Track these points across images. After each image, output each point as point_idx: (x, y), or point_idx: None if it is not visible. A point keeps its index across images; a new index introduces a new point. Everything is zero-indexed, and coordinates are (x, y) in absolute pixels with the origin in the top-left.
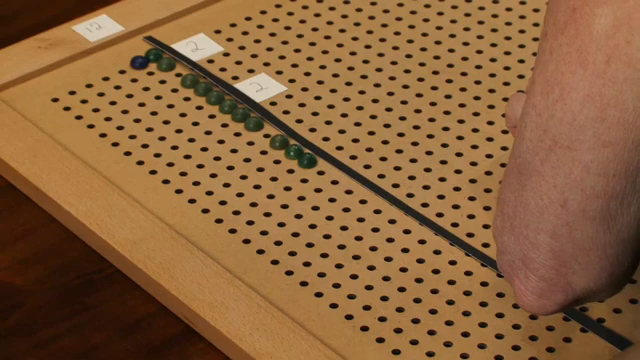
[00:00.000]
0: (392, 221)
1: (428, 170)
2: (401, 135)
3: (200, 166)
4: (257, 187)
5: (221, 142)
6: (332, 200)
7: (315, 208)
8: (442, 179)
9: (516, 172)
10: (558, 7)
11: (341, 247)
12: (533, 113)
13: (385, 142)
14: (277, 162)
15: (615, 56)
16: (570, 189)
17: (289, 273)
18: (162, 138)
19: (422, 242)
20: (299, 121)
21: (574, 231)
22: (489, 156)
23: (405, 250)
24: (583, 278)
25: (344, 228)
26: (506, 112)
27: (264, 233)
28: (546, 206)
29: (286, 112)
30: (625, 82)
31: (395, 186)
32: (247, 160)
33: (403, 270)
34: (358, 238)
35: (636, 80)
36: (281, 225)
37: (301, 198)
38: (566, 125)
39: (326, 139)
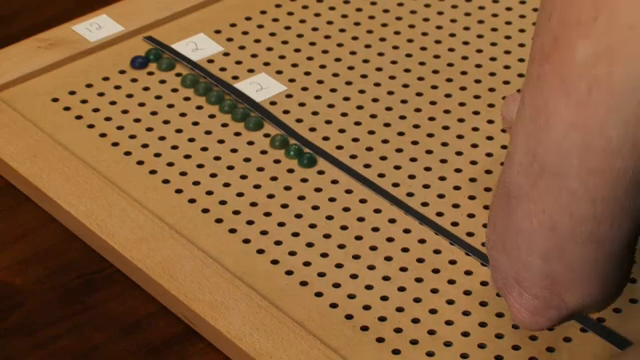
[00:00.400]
0: (392, 220)
1: (428, 169)
2: (401, 134)
3: (200, 166)
4: (257, 187)
5: (221, 142)
6: (332, 199)
7: (315, 208)
8: (442, 178)
9: (506, 193)
10: (543, 33)
11: (341, 247)
12: (523, 137)
13: (385, 141)
14: (277, 162)
15: (597, 87)
16: (559, 214)
17: (289, 273)
18: (162, 138)
19: (422, 241)
20: (299, 120)
21: (564, 253)
22: (489, 155)
23: (405, 249)
24: (576, 296)
25: (344, 228)
26: (502, 112)
27: (264, 233)
28: (536, 230)
29: (286, 112)
30: (608, 112)
31: (395, 185)
32: (247, 160)
33: (403, 270)
34: (358, 237)
35: (619, 110)
36: (281, 225)
37: (301, 198)
38: (552, 152)
39: (326, 138)
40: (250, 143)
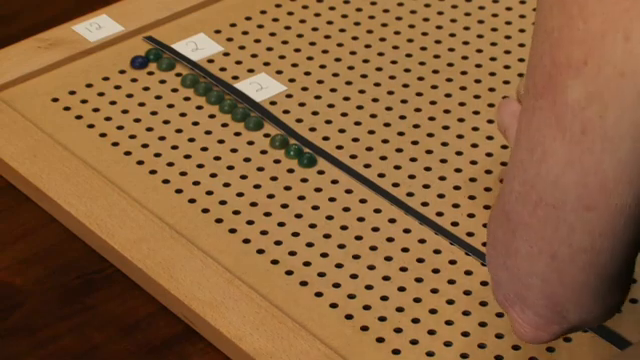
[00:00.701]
0: (392, 220)
1: (428, 169)
2: (401, 134)
3: (200, 166)
4: (257, 187)
5: (221, 142)
6: (332, 199)
7: (315, 207)
8: (442, 178)
9: (506, 217)
10: (536, 68)
11: (341, 247)
12: (520, 167)
13: (385, 141)
14: (277, 162)
15: (590, 128)
16: (558, 243)
17: (289, 273)
18: (162, 138)
19: (422, 241)
20: (299, 120)
21: (564, 278)
22: (489, 155)
23: (405, 249)
24: (577, 314)
25: (344, 227)
26: (496, 119)
27: (264, 233)
28: (536, 255)
29: (286, 111)
30: (603, 152)
31: (395, 185)
32: (247, 160)
33: (403, 270)
34: (358, 237)
35: (614, 151)
36: (281, 225)
37: (301, 197)
38: (550, 185)
39: (326, 138)
40: (250, 143)
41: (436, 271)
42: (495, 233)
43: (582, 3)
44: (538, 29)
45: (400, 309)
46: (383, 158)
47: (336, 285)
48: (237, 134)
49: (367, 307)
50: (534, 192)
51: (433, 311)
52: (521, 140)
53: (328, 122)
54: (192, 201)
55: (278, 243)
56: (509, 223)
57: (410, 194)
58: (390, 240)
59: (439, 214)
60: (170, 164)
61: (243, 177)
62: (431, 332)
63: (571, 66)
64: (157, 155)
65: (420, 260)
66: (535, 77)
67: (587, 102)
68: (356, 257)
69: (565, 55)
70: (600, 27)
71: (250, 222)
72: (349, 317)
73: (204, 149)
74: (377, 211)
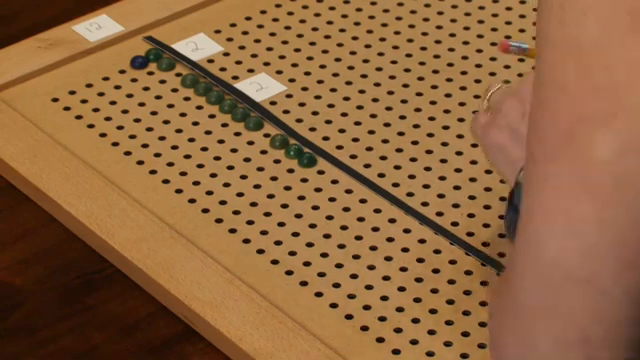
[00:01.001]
0: (392, 220)
1: (428, 169)
2: (401, 134)
3: (200, 166)
4: (257, 187)
5: (221, 142)
6: (332, 199)
7: (315, 207)
8: (442, 178)
9: (516, 315)
10: (545, 127)
11: (341, 247)
12: (535, 247)
13: (385, 141)
14: (277, 161)
15: (626, 182)
16: (592, 323)
17: (289, 273)
18: (162, 138)
19: (422, 241)
20: (299, 120)
21: None
22: None
23: (405, 249)
24: None
25: (344, 227)
26: (471, 129)
27: (264, 233)
28: (564, 346)
29: (286, 111)
30: None
31: (395, 185)
32: (247, 160)
33: (403, 270)
34: (358, 237)
35: None
36: (281, 225)
37: (301, 197)
38: (581, 256)
39: (326, 138)
40: (250, 143)
41: (436, 271)
42: (501, 341)
43: (602, 53)
44: (545, 87)
45: (400, 309)
46: (383, 158)
47: (336, 285)
48: (237, 134)
49: (367, 307)
50: (558, 272)
51: (433, 311)
52: (532, 217)
53: (328, 122)
54: (192, 201)
55: (278, 243)
56: (523, 321)
57: (410, 194)
58: (390, 240)
59: (439, 214)
60: (170, 164)
61: (243, 177)
62: (431, 332)
63: (598, 119)
64: (157, 155)
65: (420, 260)
66: (546, 140)
67: (621, 154)
68: (356, 257)
69: (590, 109)
70: (625, 76)
71: (250, 222)
72: (349, 317)
73: (204, 149)
74: (377, 211)
